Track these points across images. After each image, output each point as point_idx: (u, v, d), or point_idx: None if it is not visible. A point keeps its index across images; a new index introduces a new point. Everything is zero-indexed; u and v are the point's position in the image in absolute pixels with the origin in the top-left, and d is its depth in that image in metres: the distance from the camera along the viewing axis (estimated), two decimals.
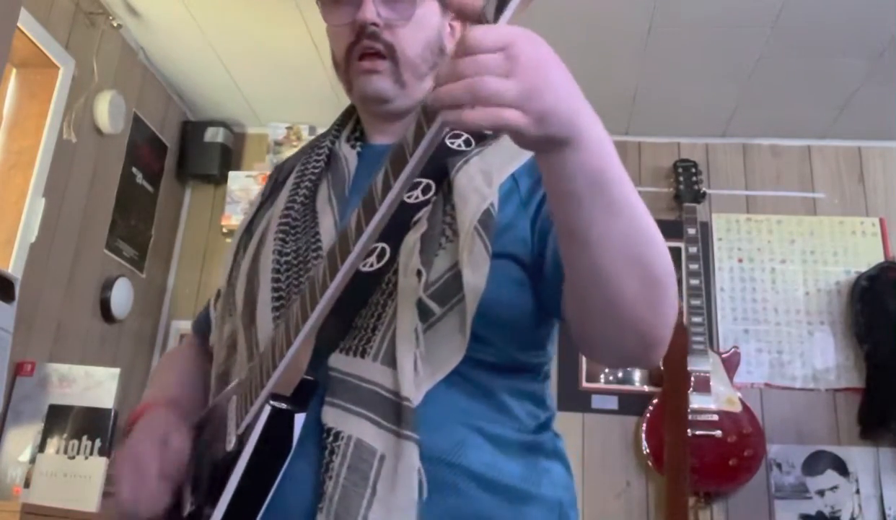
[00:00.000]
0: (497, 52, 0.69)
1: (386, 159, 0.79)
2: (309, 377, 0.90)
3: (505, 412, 0.96)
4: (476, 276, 0.91)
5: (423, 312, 0.91)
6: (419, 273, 0.91)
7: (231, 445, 0.92)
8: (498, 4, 0.70)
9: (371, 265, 0.93)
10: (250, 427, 0.89)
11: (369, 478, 0.86)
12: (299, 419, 0.89)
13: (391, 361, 0.90)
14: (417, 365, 0.89)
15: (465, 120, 0.70)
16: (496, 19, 0.70)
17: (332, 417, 0.90)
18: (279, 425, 0.88)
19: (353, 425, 0.88)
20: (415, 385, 0.88)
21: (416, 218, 0.96)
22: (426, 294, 0.90)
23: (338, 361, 0.92)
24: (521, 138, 0.73)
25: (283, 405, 0.89)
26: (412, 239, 0.94)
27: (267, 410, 0.88)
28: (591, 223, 0.78)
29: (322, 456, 0.89)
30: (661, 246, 0.83)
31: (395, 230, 0.91)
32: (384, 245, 0.94)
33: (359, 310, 0.94)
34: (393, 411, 0.88)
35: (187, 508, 0.96)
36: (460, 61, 0.69)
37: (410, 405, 0.87)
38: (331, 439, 0.89)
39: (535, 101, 0.70)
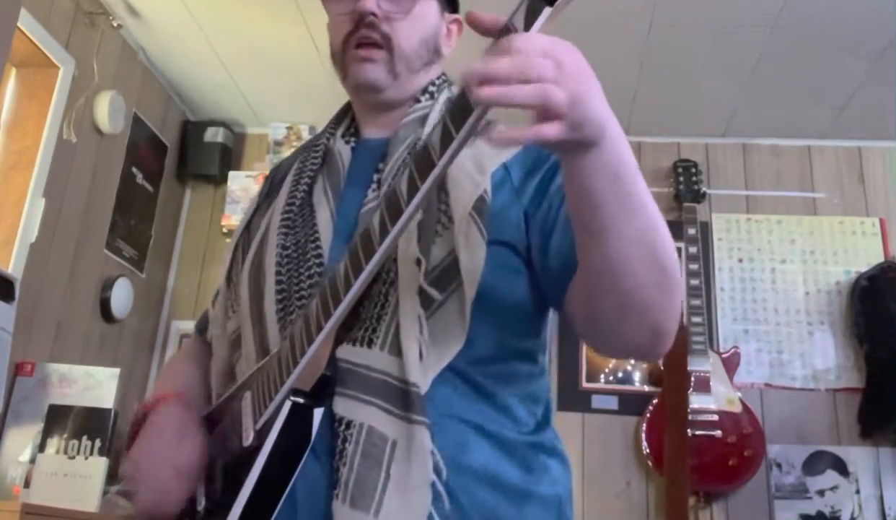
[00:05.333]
0: (546, 59, 0.71)
1: (410, 163, 0.81)
2: (326, 372, 0.91)
3: (505, 413, 0.99)
4: (472, 260, 0.94)
5: (425, 299, 0.93)
6: (419, 261, 0.93)
7: (249, 440, 0.93)
8: (528, 16, 0.72)
9: None
10: (270, 422, 0.91)
11: (382, 463, 0.88)
12: (317, 414, 0.91)
13: (397, 350, 0.92)
14: (422, 351, 0.92)
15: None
16: (526, 30, 0.72)
17: (343, 406, 0.92)
18: (299, 419, 0.90)
19: (364, 414, 0.91)
20: (421, 372, 0.91)
21: None
22: (426, 281, 0.93)
23: (346, 352, 0.95)
24: (550, 143, 0.75)
25: (304, 400, 0.90)
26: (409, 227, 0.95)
27: (288, 405, 0.90)
28: (610, 217, 0.82)
29: (335, 444, 0.91)
30: (668, 236, 0.87)
31: None
32: None
33: (362, 301, 0.96)
34: (401, 398, 0.91)
35: (202, 502, 0.97)
36: (517, 61, 0.70)
37: (419, 391, 0.90)
38: (343, 427, 0.91)
39: (578, 109, 0.72)
